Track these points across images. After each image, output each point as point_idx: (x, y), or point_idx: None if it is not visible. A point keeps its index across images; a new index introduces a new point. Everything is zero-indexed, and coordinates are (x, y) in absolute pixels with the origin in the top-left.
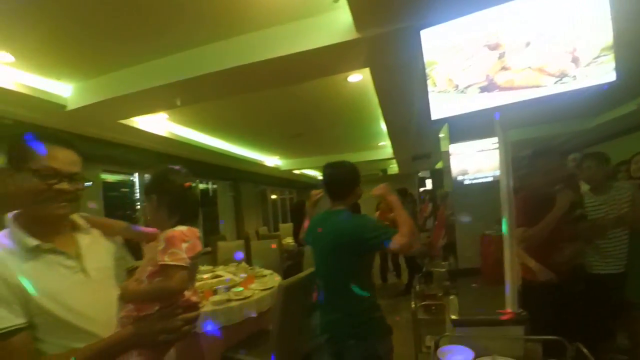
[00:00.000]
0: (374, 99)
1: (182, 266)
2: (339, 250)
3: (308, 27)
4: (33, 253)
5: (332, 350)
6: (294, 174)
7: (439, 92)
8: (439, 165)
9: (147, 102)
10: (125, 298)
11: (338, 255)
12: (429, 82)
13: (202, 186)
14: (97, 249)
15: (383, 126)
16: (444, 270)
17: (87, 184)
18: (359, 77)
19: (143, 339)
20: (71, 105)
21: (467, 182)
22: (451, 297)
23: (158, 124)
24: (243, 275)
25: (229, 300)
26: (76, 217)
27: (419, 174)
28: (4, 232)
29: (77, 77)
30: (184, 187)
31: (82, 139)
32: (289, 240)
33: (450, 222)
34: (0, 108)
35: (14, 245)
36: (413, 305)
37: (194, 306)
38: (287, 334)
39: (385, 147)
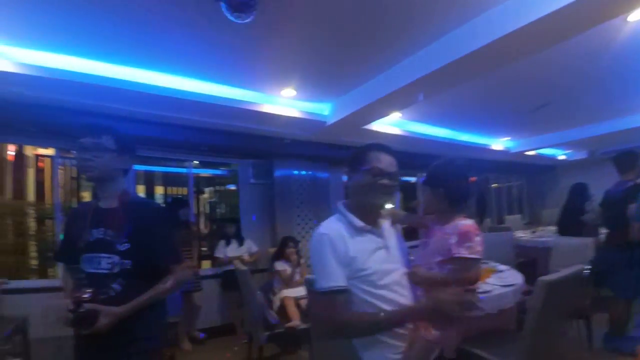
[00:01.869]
0: None
1: (477, 259)
2: None
3: None
4: (358, 231)
5: None
6: (525, 155)
7: None
8: None
9: (389, 104)
10: (415, 280)
11: None
12: None
13: None
14: (392, 232)
15: None
16: None
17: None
18: None
19: (436, 313)
20: (329, 121)
21: None
22: None
23: (390, 123)
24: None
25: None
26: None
27: None
28: (336, 215)
29: (333, 96)
30: (468, 180)
31: (335, 148)
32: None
33: None
34: (282, 131)
35: (346, 224)
36: None
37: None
38: (542, 337)
39: None
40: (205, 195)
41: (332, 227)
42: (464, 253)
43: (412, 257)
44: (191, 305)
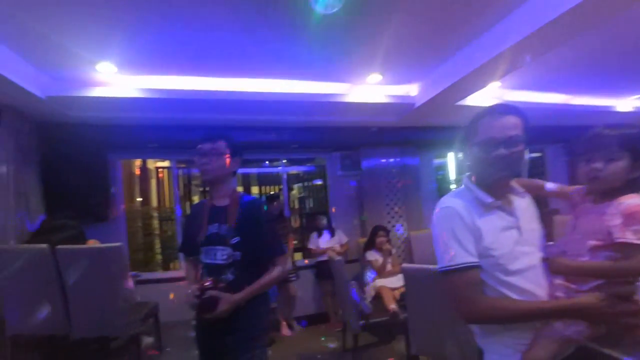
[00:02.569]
0: None
1: None
2: None
3: None
4: (486, 207)
5: None
6: None
7: None
8: None
9: (487, 74)
10: (556, 268)
11: None
12: None
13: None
14: (530, 212)
15: None
16: None
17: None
18: None
19: (588, 316)
20: (418, 102)
21: None
22: None
23: (489, 95)
24: None
25: None
26: (513, 182)
27: None
28: (460, 189)
29: (421, 75)
30: None
31: (424, 130)
32: None
33: None
34: (369, 119)
35: (471, 199)
36: None
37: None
38: None
39: None
40: (294, 192)
41: (457, 201)
42: (630, 238)
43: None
44: (288, 294)
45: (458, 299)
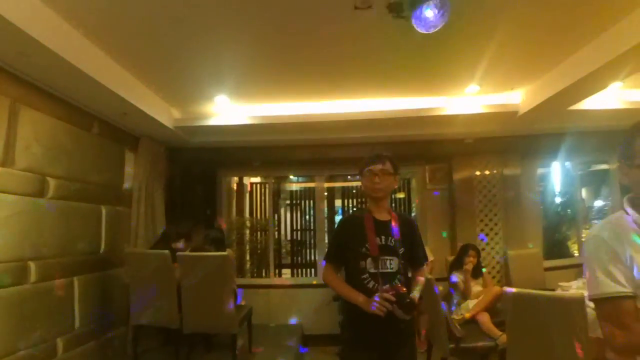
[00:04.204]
0: None
1: None
2: None
3: None
4: None
5: None
6: None
7: None
8: None
9: (607, 75)
10: None
11: None
12: None
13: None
14: None
15: None
16: None
17: None
18: None
19: None
20: (522, 110)
21: None
22: None
23: (609, 97)
24: None
25: None
26: None
27: None
28: (619, 213)
29: (525, 82)
30: None
31: (527, 138)
32: None
33: None
34: (463, 131)
35: (629, 224)
36: None
37: None
38: None
39: None
40: None
41: (608, 227)
42: None
43: None
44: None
45: (607, 329)
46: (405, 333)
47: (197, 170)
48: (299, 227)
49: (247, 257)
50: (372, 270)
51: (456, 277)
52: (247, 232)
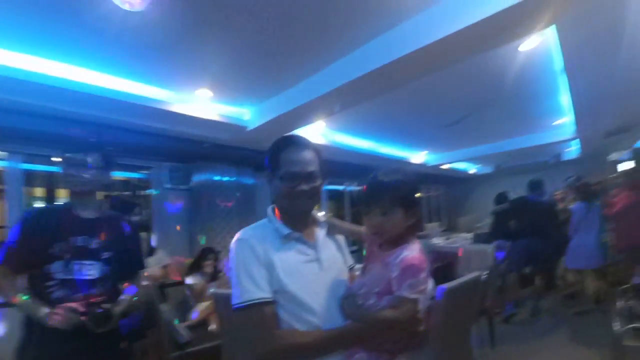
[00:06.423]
0: (552, 68)
1: (416, 299)
2: None
3: None
4: (285, 239)
5: None
6: (441, 169)
7: None
8: None
9: (310, 112)
10: (347, 311)
11: None
12: None
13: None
14: (330, 244)
15: (563, 99)
16: None
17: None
18: (534, 44)
19: (369, 342)
20: (251, 126)
21: None
22: None
23: (316, 132)
24: None
25: None
26: (315, 213)
27: (611, 156)
28: (263, 221)
29: (254, 100)
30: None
31: (261, 153)
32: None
33: None
34: (201, 134)
35: (271, 231)
36: (617, 328)
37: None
38: (448, 339)
39: (561, 127)
40: None
41: (253, 233)
42: (405, 292)
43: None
44: None
45: (253, 336)
46: (122, 355)
47: None
48: None
49: None
50: (63, 277)
51: (193, 279)
52: None
